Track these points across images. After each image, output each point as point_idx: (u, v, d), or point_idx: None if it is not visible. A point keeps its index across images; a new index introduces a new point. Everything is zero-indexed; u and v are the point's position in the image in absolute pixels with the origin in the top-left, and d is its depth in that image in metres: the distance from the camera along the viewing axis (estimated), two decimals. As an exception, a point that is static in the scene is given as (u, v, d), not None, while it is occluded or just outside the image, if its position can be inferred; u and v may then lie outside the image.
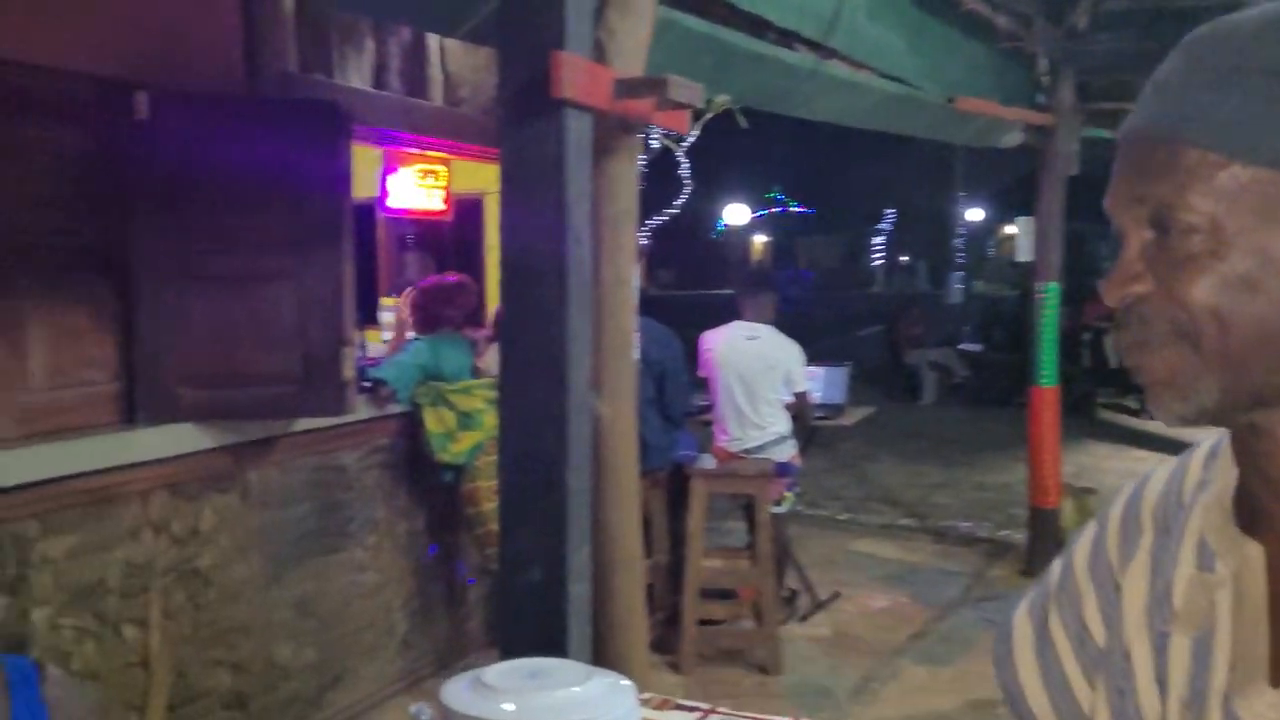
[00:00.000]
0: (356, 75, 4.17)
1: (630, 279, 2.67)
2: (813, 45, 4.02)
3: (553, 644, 2.31)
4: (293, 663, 3.77)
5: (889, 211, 35.25)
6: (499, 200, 2.46)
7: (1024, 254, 6.46)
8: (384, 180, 4.93)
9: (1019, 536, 6.30)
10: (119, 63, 3.19)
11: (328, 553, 3.89)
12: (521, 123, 2.34)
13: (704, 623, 4.65)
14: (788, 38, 3.91)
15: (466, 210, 5.18)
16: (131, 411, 3.29)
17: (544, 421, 2.34)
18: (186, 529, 3.34)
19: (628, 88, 2.49)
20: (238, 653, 3.55)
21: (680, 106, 2.65)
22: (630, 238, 2.68)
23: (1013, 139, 5.97)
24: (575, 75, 2.29)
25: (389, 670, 4.24)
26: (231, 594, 3.51)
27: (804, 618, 5.17)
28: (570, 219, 2.32)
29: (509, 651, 2.38)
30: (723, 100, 3.76)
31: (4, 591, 2.82)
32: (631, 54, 2.63)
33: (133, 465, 3.15)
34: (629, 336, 2.67)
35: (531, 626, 2.37)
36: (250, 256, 3.33)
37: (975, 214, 31.22)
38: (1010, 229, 24.23)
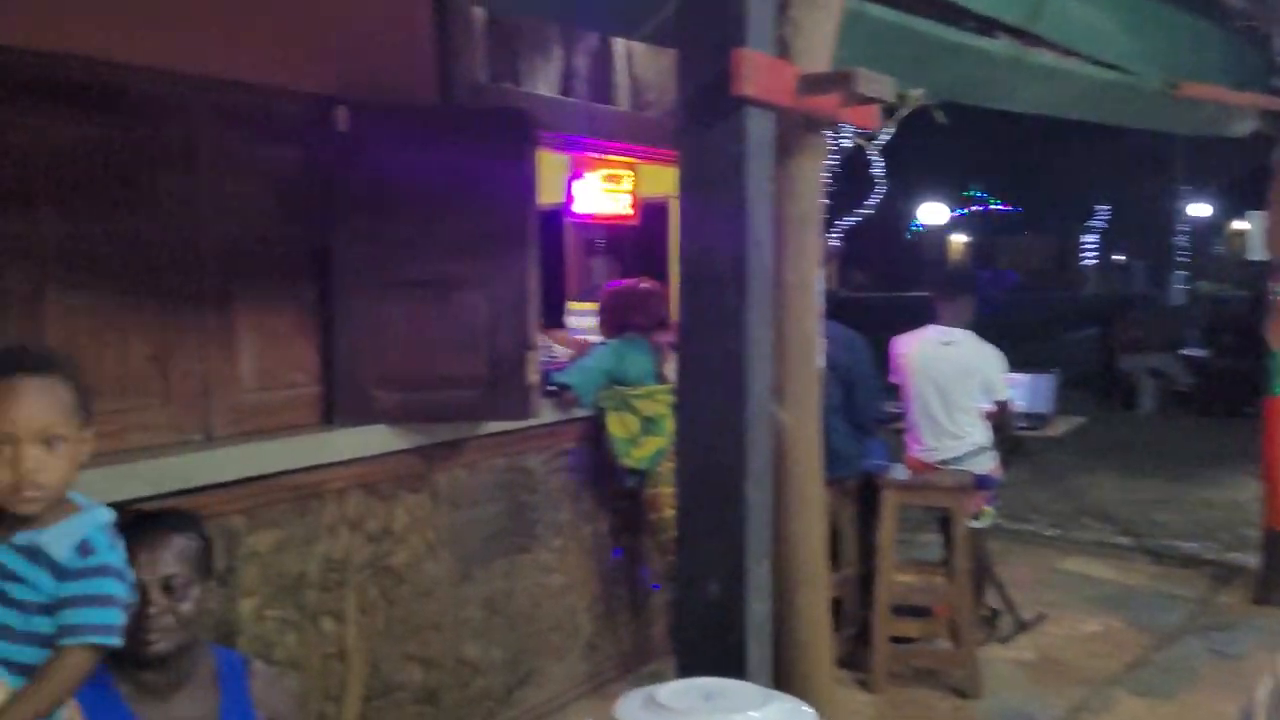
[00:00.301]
0: (544, 83, 4.22)
1: (814, 282, 2.57)
2: (1015, 32, 3.78)
3: (730, 663, 2.24)
4: (482, 660, 3.84)
5: (1102, 208, 33.34)
6: (678, 203, 2.41)
7: (1256, 252, 5.92)
8: (570, 186, 4.98)
9: (1251, 560, 5.77)
10: (322, 79, 3.33)
11: (515, 553, 3.94)
12: (701, 123, 2.28)
13: (896, 640, 4.46)
14: (988, 25, 3.70)
15: (653, 215, 5.17)
16: (330, 413, 3.43)
17: (722, 431, 2.27)
18: (380, 527, 3.45)
19: (812, 84, 2.39)
20: (429, 648, 3.64)
21: (869, 101, 2.53)
22: (814, 240, 2.58)
23: (1244, 127, 5.47)
24: (757, 72, 2.21)
25: (575, 672, 4.26)
26: (423, 591, 3.60)
27: (1005, 639, 4.89)
28: (751, 221, 2.25)
29: (685, 668, 2.33)
30: (917, 94, 3.59)
31: (217, 583, 2.98)
32: (817, 49, 2.53)
33: (331, 465, 3.27)
34: (813, 342, 2.57)
35: (708, 643, 2.30)
36: (440, 263, 3.41)
37: (1199, 209, 29.13)
38: (1240, 224, 22.46)
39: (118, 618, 1.48)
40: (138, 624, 1.83)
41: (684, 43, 2.37)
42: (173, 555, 1.91)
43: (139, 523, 1.95)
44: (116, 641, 1.47)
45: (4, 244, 2.65)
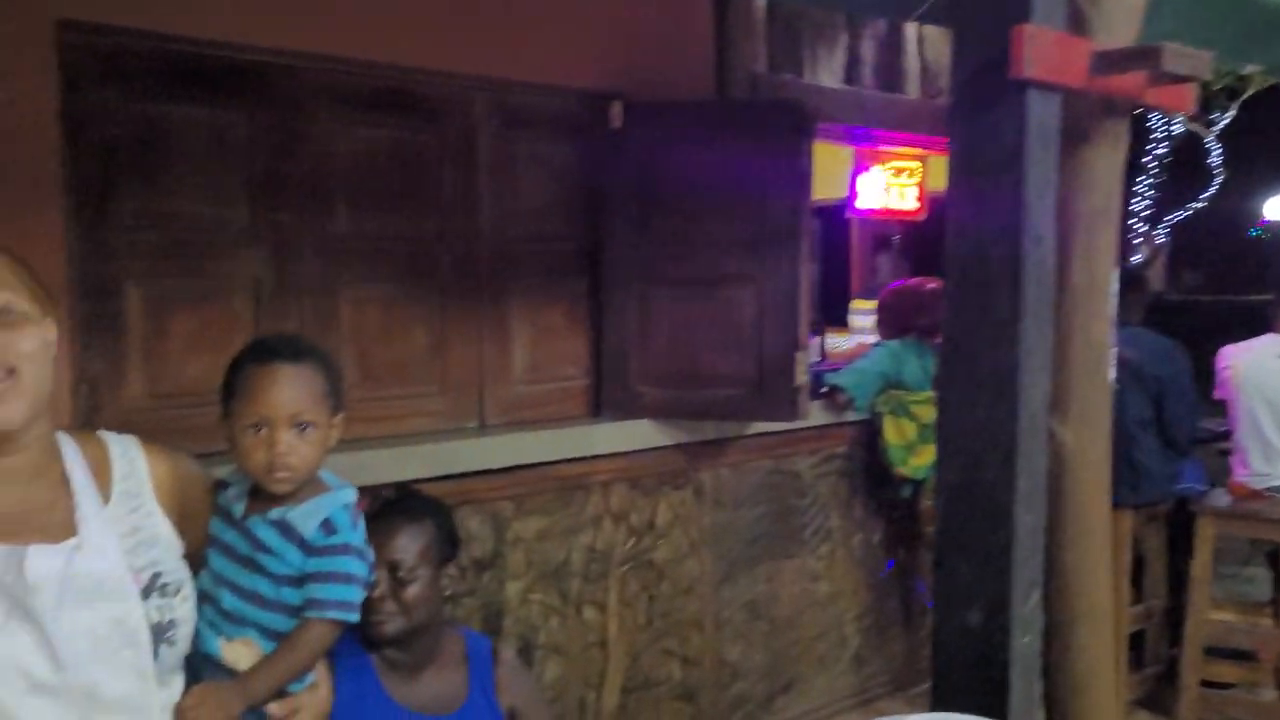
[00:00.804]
0: (827, 72, 4.07)
1: (1108, 285, 2.29)
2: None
3: (991, 699, 2.04)
4: (742, 663, 3.78)
5: None
6: (947, 196, 2.22)
7: None
8: (854, 180, 4.80)
9: None
10: (598, 75, 3.37)
11: (780, 558, 3.85)
12: (976, 108, 2.08)
13: (1208, 685, 3.98)
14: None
15: (943, 210, 4.89)
16: (597, 407, 3.48)
17: (990, 446, 2.07)
18: (643, 522, 3.46)
19: (1109, 61, 2.12)
20: (688, 646, 3.62)
21: (1181, 80, 2.22)
22: (1109, 238, 2.30)
23: None
24: (1041, 50, 1.98)
25: (840, 684, 4.11)
26: (683, 589, 3.58)
27: (1345, 696, 4.24)
28: (1029, 216, 2.02)
29: (941, 700, 2.15)
30: (1256, 72, 3.15)
31: (485, 566, 3.10)
32: (1122, 23, 2.25)
33: (596, 457, 3.32)
34: (1103, 351, 2.30)
35: (967, 676, 2.10)
36: (710, 259, 3.37)
37: None
38: None
39: (357, 595, 1.53)
40: (370, 604, 1.91)
41: (960, 20, 2.17)
42: (402, 541, 1.96)
43: (382, 507, 2.03)
44: (354, 617, 1.54)
45: (304, 239, 2.87)
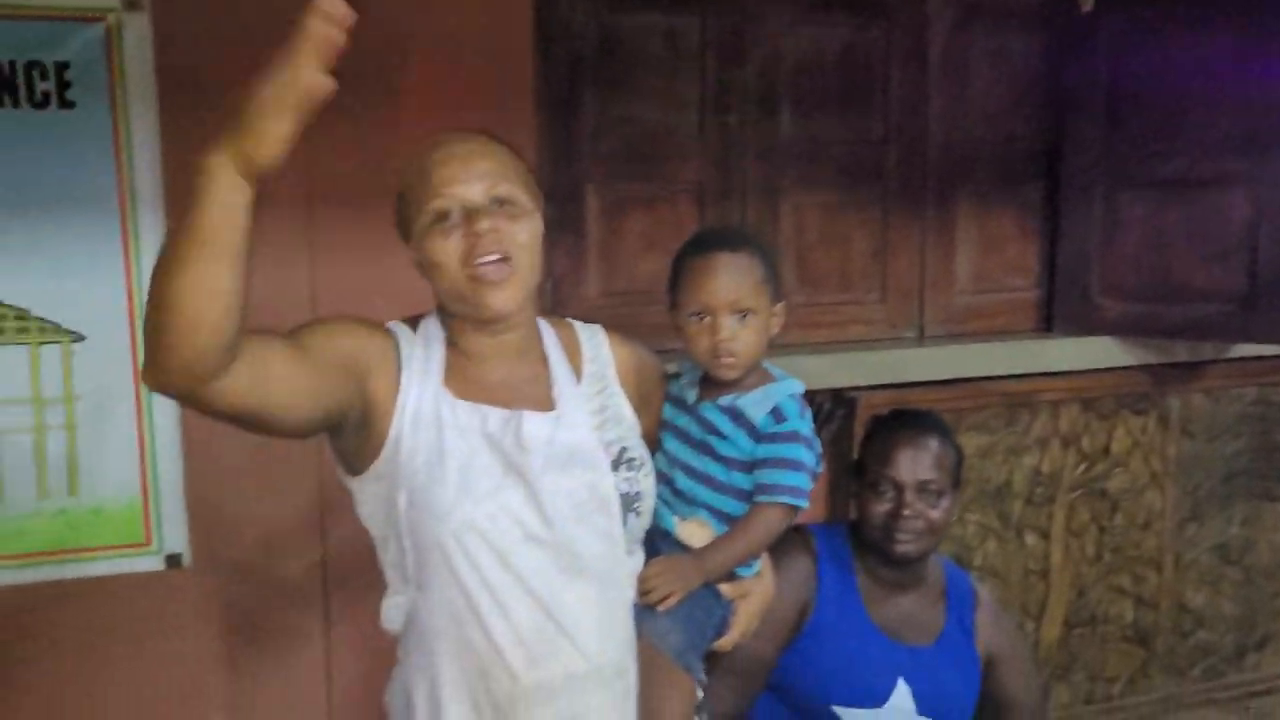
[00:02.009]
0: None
1: None
2: None
3: None
4: (1207, 611, 3.40)
5: None
6: None
7: None
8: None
9: None
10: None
11: (1259, 498, 3.38)
12: None
13: None
14: None
15: None
16: (1048, 320, 3.23)
17: None
18: (1096, 447, 3.19)
19: None
20: (1144, 586, 3.32)
21: None
22: None
23: None
24: None
25: (1331, 650, 3.57)
26: (1140, 523, 3.27)
27: None
28: None
29: None
30: None
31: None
32: None
33: (1046, 374, 3.09)
34: None
35: None
36: (1192, 158, 2.96)
37: None
38: None
39: (806, 482, 1.53)
40: (890, 522, 1.92)
41: None
42: (932, 460, 1.95)
43: (901, 421, 2.02)
44: (804, 503, 1.54)
45: (748, 143, 2.90)
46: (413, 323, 1.52)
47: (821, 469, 1.60)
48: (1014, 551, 3.16)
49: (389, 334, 1.48)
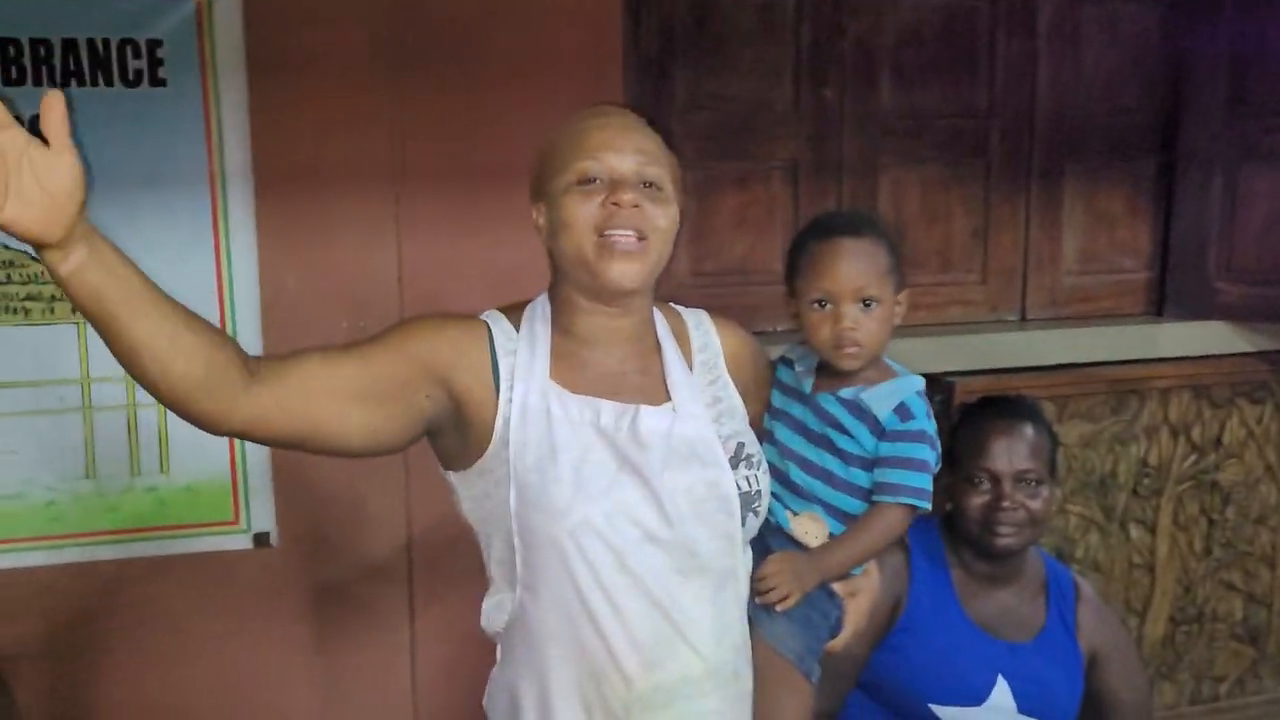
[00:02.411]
0: None
1: None
2: None
3: None
4: (1325, 612, 3.23)
5: None
6: None
7: None
8: None
9: None
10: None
11: (1387, 495, 3.19)
12: None
13: None
14: None
15: None
16: (1159, 303, 3.08)
17: None
18: (1208, 437, 3.03)
19: None
20: (1256, 583, 3.16)
21: None
22: None
23: None
24: None
25: None
26: (1254, 517, 3.11)
27: None
28: None
29: None
30: None
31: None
32: None
33: (1155, 360, 2.94)
34: None
35: None
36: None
37: None
38: None
39: (929, 483, 1.46)
40: (989, 515, 1.84)
41: None
42: (1029, 449, 1.87)
43: (995, 409, 1.93)
44: (926, 505, 1.46)
45: (845, 117, 2.80)
46: (515, 310, 1.45)
47: (939, 468, 1.51)
48: (1118, 545, 3.02)
49: (480, 325, 1.41)
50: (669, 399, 1.40)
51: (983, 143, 2.91)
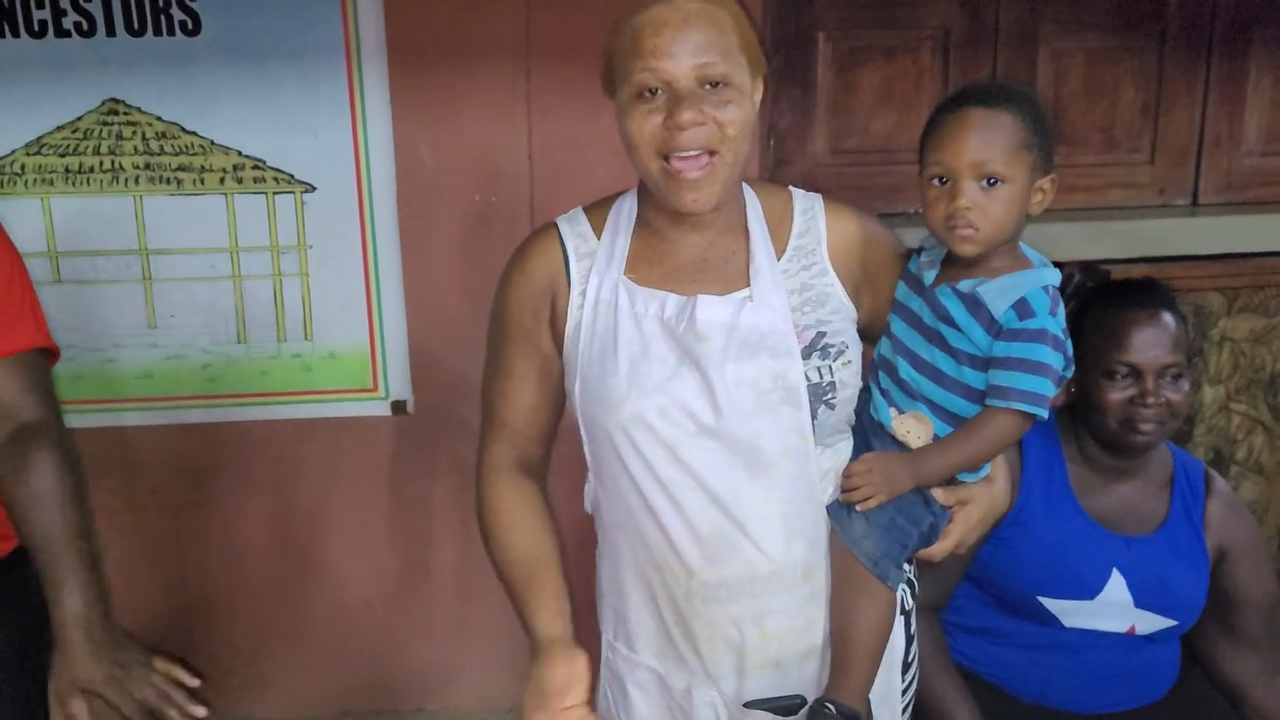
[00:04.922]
0: None
1: None
2: None
3: None
4: None
5: None
6: None
7: None
8: None
9: None
10: None
11: None
12: None
13: None
14: None
15: None
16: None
17: None
18: (1399, 337, 2.77)
19: None
20: None
21: None
22: None
23: None
24: None
25: None
26: None
27: None
28: None
29: None
30: None
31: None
32: None
33: (1342, 252, 2.69)
34: None
35: None
36: None
37: None
38: None
39: (1048, 388, 1.35)
40: (1132, 410, 1.75)
41: None
42: (1171, 340, 1.75)
43: (1130, 297, 1.81)
44: (1043, 412, 1.35)
45: (1005, -18, 2.59)
46: (603, 206, 1.46)
47: (1071, 372, 1.41)
48: (1284, 446, 2.84)
49: (550, 240, 1.43)
50: (748, 285, 1.36)
51: (1158, 7, 2.65)
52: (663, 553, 1.38)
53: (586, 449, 1.43)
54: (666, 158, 1.29)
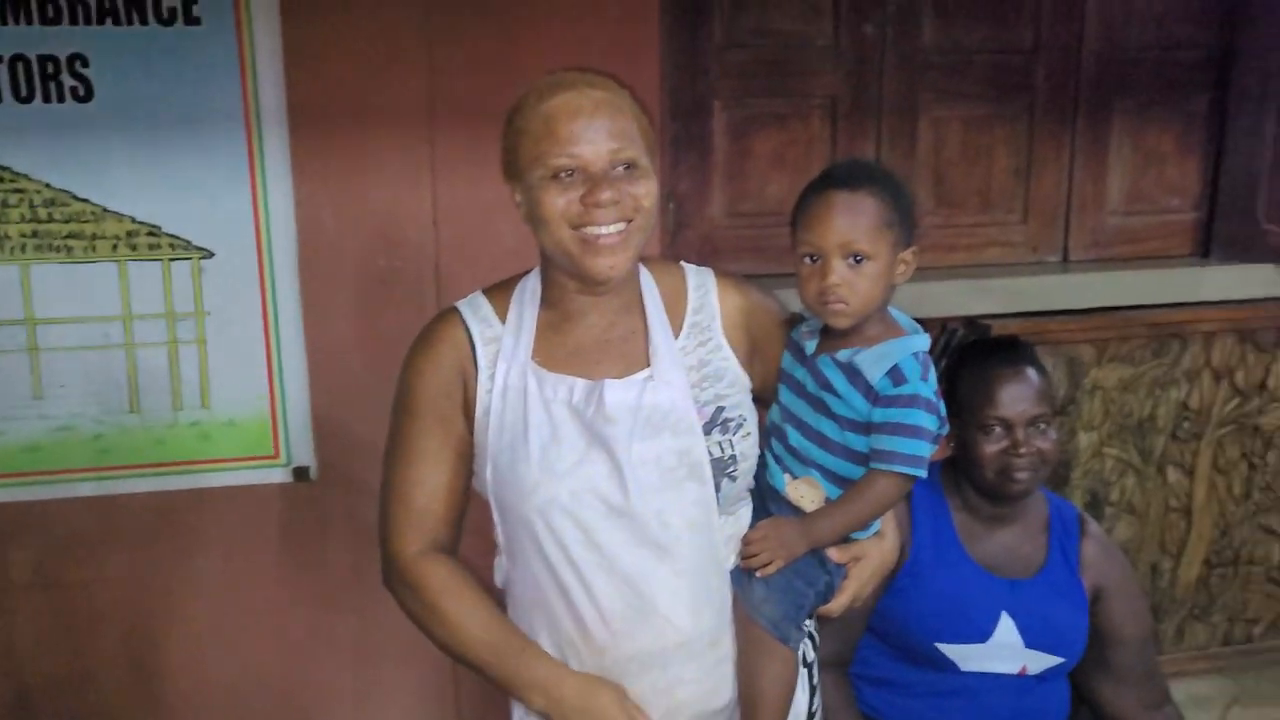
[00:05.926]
0: None
1: None
2: None
3: None
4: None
5: None
6: None
7: None
8: None
9: None
10: None
11: None
12: None
13: None
14: None
15: None
16: (1206, 245, 3.01)
17: None
18: (1252, 382, 2.98)
19: None
20: (1295, 529, 3.13)
21: None
22: None
23: None
24: None
25: None
26: (1294, 463, 3.07)
27: None
28: None
29: None
30: None
31: (1056, 413, 2.87)
32: None
33: (1199, 304, 2.89)
34: None
35: None
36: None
37: None
38: None
39: (925, 449, 1.41)
40: (1005, 461, 1.84)
41: None
42: (1036, 393, 1.86)
43: (996, 355, 1.91)
44: (922, 473, 1.42)
45: (886, 54, 2.73)
46: (505, 289, 1.48)
47: (946, 430, 1.48)
48: (1154, 488, 3.00)
49: (454, 327, 1.45)
50: (649, 365, 1.41)
51: (1027, 80, 2.83)
52: (575, 632, 1.40)
53: (499, 530, 1.45)
54: (581, 230, 1.33)
